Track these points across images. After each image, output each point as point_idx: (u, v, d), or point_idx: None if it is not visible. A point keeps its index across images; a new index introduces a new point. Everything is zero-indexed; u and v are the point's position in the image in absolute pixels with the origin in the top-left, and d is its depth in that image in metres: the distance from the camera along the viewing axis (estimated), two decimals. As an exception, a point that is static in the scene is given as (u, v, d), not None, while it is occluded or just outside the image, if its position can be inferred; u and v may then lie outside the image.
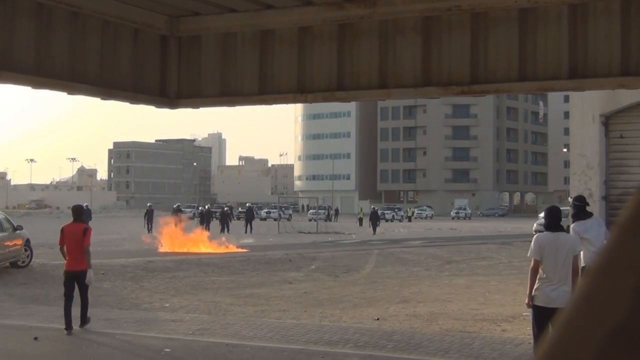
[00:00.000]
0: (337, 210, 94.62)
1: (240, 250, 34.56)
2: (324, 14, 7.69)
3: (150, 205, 54.34)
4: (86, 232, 13.36)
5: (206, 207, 60.16)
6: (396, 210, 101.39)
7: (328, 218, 77.73)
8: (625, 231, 0.70)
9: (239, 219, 71.35)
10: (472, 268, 27.44)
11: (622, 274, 0.66)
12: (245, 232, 52.92)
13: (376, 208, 62.87)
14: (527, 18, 7.11)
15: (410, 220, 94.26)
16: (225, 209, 59.79)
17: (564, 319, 0.67)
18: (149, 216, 51.48)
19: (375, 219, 57.48)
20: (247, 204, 67.23)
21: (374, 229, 55.92)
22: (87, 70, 7.69)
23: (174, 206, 55.68)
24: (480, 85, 7.36)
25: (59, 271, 24.15)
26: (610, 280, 0.66)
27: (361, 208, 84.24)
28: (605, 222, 14.78)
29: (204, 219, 52.91)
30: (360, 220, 70.93)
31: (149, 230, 47.84)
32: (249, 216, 57.05)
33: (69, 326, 13.23)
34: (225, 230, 52.86)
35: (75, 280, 13.51)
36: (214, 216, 59.52)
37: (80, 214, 13.86)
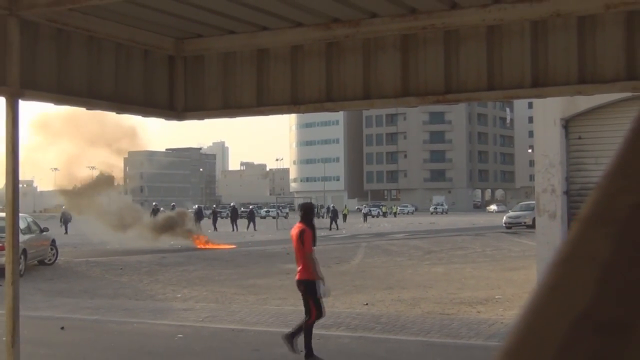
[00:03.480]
0: (335, 211, 66.30)
1: (225, 246, 34.04)
2: (313, 34, 7.68)
3: (155, 205, 53.50)
4: (302, 235, 9.90)
5: (196, 206, 57.19)
6: (381, 207, 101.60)
7: (317, 216, 76.53)
8: (587, 224, 0.68)
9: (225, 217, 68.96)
10: (450, 257, 27.46)
11: (585, 264, 0.64)
12: (232, 230, 51.58)
13: (334, 206, 61.35)
14: (493, 34, 7.12)
15: (395, 216, 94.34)
16: (252, 207, 59.53)
17: (531, 306, 0.65)
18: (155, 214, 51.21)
19: (334, 216, 55.52)
20: (231, 204, 64.40)
21: (330, 225, 53.67)
22: (103, 87, 7.66)
23: (171, 205, 54.15)
24: (454, 94, 7.35)
25: (81, 268, 24.11)
26: (574, 270, 0.65)
27: (345, 205, 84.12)
28: (568, 215, 14.80)
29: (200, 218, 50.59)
30: (345, 216, 70.57)
31: None
32: (234, 215, 55.29)
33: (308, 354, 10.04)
34: (252, 227, 52.53)
35: (300, 291, 10.34)
36: (214, 215, 57.85)
37: (304, 212, 10.34)
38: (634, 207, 0.67)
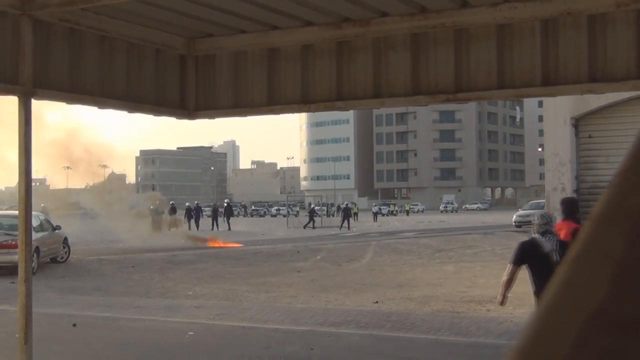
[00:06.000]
0: (347, 210, 56.84)
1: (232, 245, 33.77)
2: (323, 33, 7.68)
3: (172, 203, 50.42)
4: (575, 235, 8.07)
5: (195, 203, 53.17)
6: (390, 205, 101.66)
7: (327, 214, 75.14)
8: (600, 222, 0.68)
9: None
10: (460, 256, 27.40)
11: (598, 261, 0.64)
12: (229, 229, 48.83)
13: (347, 204, 59.61)
14: (504, 33, 7.10)
15: (407, 214, 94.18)
16: (313, 206, 57.10)
17: (546, 303, 0.65)
18: (189, 214, 49.40)
19: (346, 215, 53.11)
20: (225, 201, 58.66)
21: (342, 224, 52.03)
22: (114, 86, 7.68)
23: (170, 203, 49.93)
24: (464, 93, 7.34)
25: (93, 265, 24.18)
26: (588, 267, 0.65)
27: (355, 203, 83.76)
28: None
29: (190, 216, 48.67)
30: (356, 214, 70.04)
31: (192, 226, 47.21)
32: (228, 213, 51.59)
33: None
34: (312, 225, 51.09)
35: None
36: (203, 214, 54.46)
37: (568, 207, 9.10)
38: (646, 205, 0.67)
